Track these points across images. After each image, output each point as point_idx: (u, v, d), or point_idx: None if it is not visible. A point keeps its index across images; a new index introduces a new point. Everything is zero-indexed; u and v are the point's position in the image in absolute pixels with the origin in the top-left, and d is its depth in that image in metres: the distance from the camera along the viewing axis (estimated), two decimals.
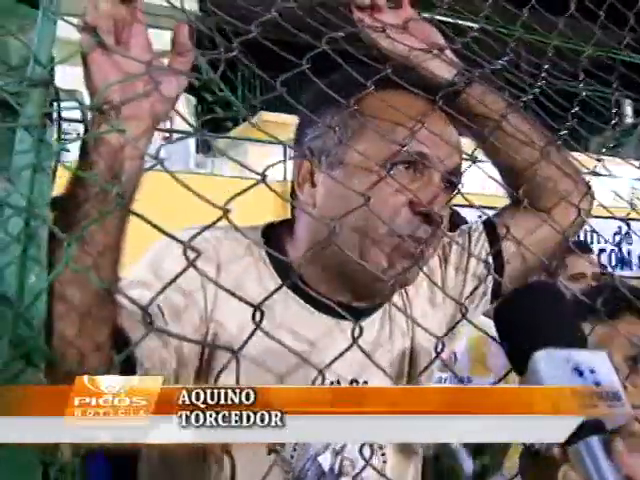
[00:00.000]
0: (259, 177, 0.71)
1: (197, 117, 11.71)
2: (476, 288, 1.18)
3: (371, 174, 0.98)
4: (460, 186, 1.08)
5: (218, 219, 0.66)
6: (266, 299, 0.73)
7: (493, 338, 0.76)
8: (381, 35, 1.11)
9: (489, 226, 1.22)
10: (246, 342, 0.80)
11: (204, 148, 10.78)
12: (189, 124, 1.00)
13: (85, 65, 0.76)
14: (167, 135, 10.61)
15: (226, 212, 0.66)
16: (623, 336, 1.11)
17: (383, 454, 1.10)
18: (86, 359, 0.73)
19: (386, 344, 1.11)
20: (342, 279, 1.01)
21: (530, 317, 0.72)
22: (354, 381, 1.07)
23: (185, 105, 11.10)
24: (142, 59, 0.76)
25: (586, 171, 1.28)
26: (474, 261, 1.22)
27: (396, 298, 1.16)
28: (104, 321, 0.75)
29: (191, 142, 11.25)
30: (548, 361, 0.67)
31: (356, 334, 0.80)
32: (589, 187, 1.24)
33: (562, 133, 1.28)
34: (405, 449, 1.12)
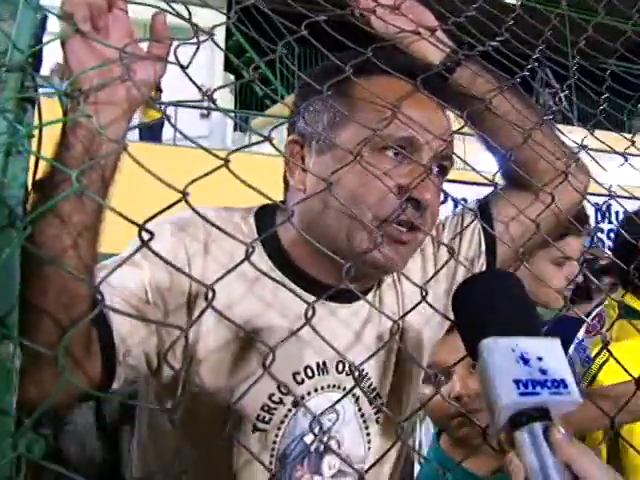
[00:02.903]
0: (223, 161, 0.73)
1: (235, 95, 11.77)
2: (468, 271, 1.19)
3: (357, 160, 0.98)
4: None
5: (176, 202, 0.68)
6: (218, 281, 0.74)
7: (452, 321, 0.77)
8: (373, 16, 1.12)
9: (482, 208, 1.23)
10: (193, 323, 0.82)
11: (242, 126, 10.84)
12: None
13: (63, 52, 0.79)
14: (205, 112, 10.74)
15: (185, 195, 0.69)
16: None
17: (369, 440, 1.13)
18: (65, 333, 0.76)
19: (376, 322, 1.13)
20: (330, 261, 1.03)
21: (483, 304, 0.73)
22: (340, 362, 1.09)
23: (223, 82, 11.15)
24: (120, 46, 0.78)
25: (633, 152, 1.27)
26: (466, 243, 1.23)
27: (387, 278, 1.18)
28: (82, 297, 0.78)
29: (229, 120, 11.34)
30: (494, 349, 0.68)
31: (309, 315, 0.81)
32: (583, 166, 1.24)
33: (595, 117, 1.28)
34: (388, 433, 1.14)
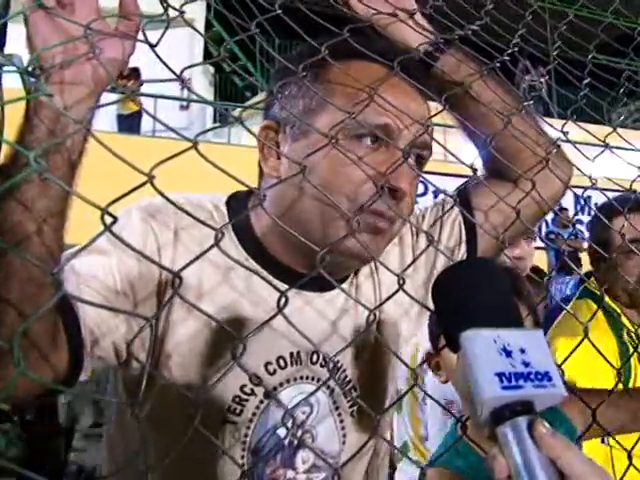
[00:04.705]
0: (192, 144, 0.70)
1: (215, 86, 11.71)
2: (448, 261, 1.17)
3: (332, 147, 0.94)
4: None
5: (142, 184, 0.65)
6: (184, 267, 0.71)
7: (431, 311, 0.74)
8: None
9: (463, 198, 1.20)
10: (160, 311, 0.78)
11: (221, 118, 10.77)
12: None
13: (26, 28, 0.75)
14: (184, 104, 10.68)
15: (151, 178, 0.65)
16: None
17: (344, 434, 1.10)
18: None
19: (353, 312, 1.10)
20: (305, 250, 1.00)
21: (463, 293, 0.70)
22: (315, 353, 1.06)
23: (203, 74, 11.10)
24: (85, 22, 0.74)
25: (600, 142, 1.26)
26: (446, 233, 1.21)
27: (364, 267, 1.15)
28: (48, 287, 0.74)
29: (208, 112, 11.29)
30: (475, 341, 0.65)
31: (281, 304, 0.78)
32: (566, 157, 1.22)
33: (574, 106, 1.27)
34: (363, 427, 1.11)
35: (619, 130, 1.34)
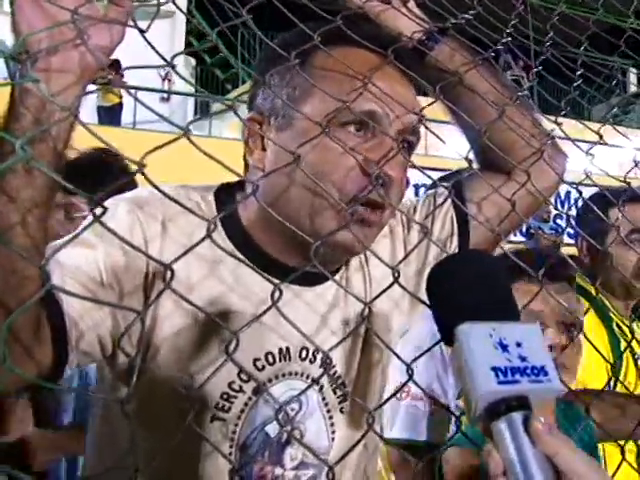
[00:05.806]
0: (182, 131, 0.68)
1: (196, 78, 11.64)
2: (440, 253, 1.15)
3: (320, 135, 0.92)
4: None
5: (133, 173, 0.63)
6: (177, 259, 0.69)
7: (424, 303, 0.73)
8: None
9: (456, 190, 1.18)
10: (150, 304, 0.76)
11: (202, 110, 10.73)
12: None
13: (12, 12, 0.73)
14: (165, 96, 10.62)
15: (141, 167, 0.63)
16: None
17: (333, 430, 1.09)
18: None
19: (343, 305, 1.09)
20: (293, 242, 0.98)
21: (458, 286, 0.69)
22: (304, 349, 1.05)
23: (184, 66, 11.04)
24: (73, 7, 0.72)
25: (589, 139, 1.25)
26: (439, 225, 1.19)
27: (354, 260, 1.13)
28: (31, 279, 0.72)
29: (189, 104, 11.25)
30: (470, 334, 0.64)
31: (275, 297, 0.76)
32: (560, 149, 1.21)
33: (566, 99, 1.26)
34: (353, 423, 1.10)
35: (600, 126, 1.34)
